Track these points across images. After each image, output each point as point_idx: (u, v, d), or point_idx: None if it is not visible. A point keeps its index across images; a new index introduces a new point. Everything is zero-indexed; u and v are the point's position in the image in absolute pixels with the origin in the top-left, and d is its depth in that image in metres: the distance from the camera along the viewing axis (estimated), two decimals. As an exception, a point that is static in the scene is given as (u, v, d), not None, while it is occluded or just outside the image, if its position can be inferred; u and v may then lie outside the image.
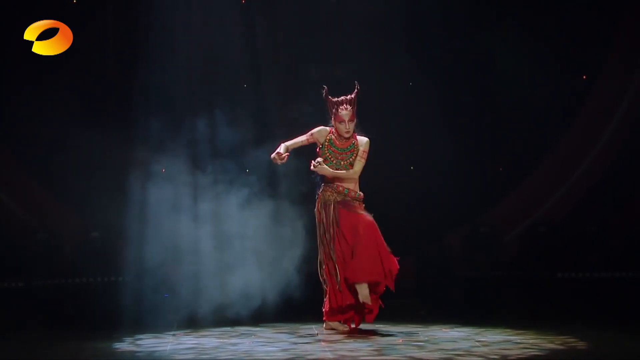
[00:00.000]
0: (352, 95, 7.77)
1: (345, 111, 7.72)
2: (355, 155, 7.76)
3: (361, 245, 7.61)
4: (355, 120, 7.77)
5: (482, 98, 11.01)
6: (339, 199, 7.76)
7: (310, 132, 7.83)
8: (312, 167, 7.70)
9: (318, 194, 7.85)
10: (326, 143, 7.80)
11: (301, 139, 7.85)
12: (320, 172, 7.74)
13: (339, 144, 7.78)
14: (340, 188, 7.77)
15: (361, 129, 7.86)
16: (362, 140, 7.79)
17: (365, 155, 7.77)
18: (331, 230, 7.72)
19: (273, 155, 7.72)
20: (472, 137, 11.01)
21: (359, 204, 7.81)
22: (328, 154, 7.77)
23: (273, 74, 10.77)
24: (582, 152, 11.13)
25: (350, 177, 7.76)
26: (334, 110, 7.76)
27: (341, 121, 7.74)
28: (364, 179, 7.89)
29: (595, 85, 11.15)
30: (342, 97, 7.77)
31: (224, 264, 9.14)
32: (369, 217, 7.73)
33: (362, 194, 7.84)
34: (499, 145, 11.10)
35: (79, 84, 10.50)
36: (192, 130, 9.72)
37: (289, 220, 9.10)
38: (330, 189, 7.77)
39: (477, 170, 10.92)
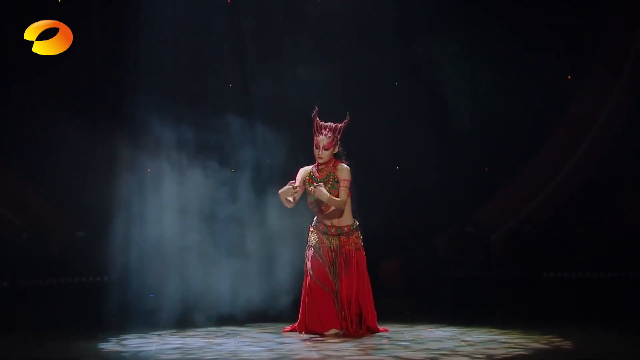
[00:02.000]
0: (339, 124, 7.67)
1: (323, 137, 7.63)
2: (332, 182, 7.62)
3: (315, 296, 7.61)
4: (332, 149, 7.63)
5: (467, 98, 11.02)
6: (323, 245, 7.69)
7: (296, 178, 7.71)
8: (310, 188, 7.54)
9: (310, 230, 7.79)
10: (307, 178, 7.68)
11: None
12: (317, 195, 7.50)
13: (318, 175, 7.67)
14: (333, 230, 7.68)
15: (344, 151, 7.74)
16: (342, 168, 7.64)
17: (346, 184, 7.57)
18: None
19: (286, 188, 7.48)
20: (457, 137, 11.02)
21: (356, 238, 7.72)
22: (310, 187, 7.59)
23: (259, 74, 10.76)
24: (568, 153, 11.16)
25: (338, 206, 7.58)
26: (316, 132, 7.68)
27: (316, 146, 7.65)
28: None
29: (581, 85, 11.19)
30: (329, 123, 7.66)
31: (211, 264, 9.13)
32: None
33: (356, 222, 7.74)
34: (484, 145, 11.11)
35: (66, 83, 10.45)
36: (179, 130, 9.69)
37: (278, 219, 9.10)
38: (322, 238, 7.69)
39: (463, 170, 10.93)
